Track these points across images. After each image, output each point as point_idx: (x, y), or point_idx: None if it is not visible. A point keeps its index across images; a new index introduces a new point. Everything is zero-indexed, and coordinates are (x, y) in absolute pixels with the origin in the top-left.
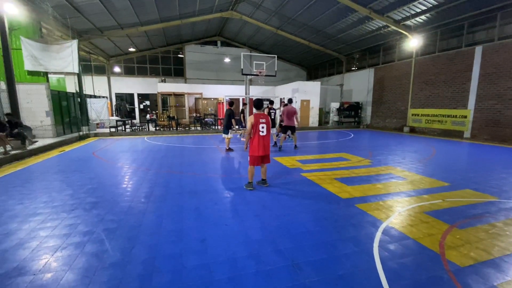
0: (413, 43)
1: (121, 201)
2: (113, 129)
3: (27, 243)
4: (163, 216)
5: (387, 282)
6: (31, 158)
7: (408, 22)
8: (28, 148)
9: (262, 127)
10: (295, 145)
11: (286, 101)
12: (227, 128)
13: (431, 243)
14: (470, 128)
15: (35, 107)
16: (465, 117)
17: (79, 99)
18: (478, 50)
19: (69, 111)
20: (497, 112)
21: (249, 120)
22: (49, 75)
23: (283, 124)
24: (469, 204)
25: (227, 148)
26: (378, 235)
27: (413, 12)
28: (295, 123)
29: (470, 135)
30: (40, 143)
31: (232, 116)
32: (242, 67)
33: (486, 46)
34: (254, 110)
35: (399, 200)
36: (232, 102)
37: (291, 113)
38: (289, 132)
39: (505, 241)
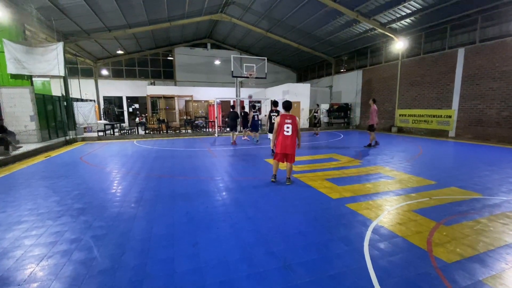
0: (399, 45)
1: (110, 207)
2: (101, 133)
3: (11, 253)
4: (154, 221)
5: (377, 280)
6: (15, 164)
7: (393, 25)
8: (11, 154)
9: (287, 127)
10: (376, 142)
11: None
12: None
13: (419, 240)
14: (455, 128)
15: (18, 111)
16: (450, 117)
17: (65, 103)
18: (461, 52)
19: (54, 115)
20: (479, 112)
21: (276, 120)
22: (33, 79)
23: (371, 123)
24: (455, 202)
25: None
26: (368, 234)
27: (398, 16)
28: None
29: (454, 134)
30: (24, 148)
31: (237, 117)
32: (232, 69)
33: (468, 48)
34: (283, 111)
35: (388, 199)
36: (233, 106)
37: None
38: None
39: (489, 236)
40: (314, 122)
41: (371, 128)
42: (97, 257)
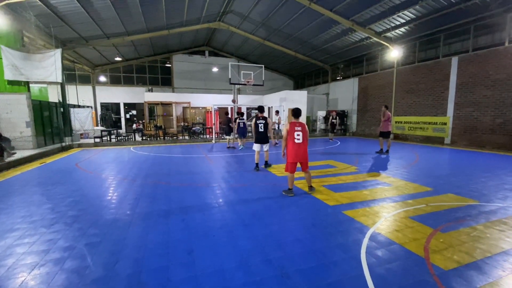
0: (394, 53)
1: (105, 214)
2: (97, 139)
3: (2, 261)
4: (149, 228)
5: None
6: (9, 171)
7: (388, 34)
8: (6, 160)
9: (298, 135)
10: (388, 150)
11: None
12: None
13: (416, 247)
14: (450, 135)
15: (14, 117)
16: (445, 124)
17: (62, 109)
18: (454, 60)
19: (51, 121)
20: (474, 119)
21: (285, 127)
22: (31, 85)
23: (383, 130)
24: (451, 208)
25: (229, 146)
26: (366, 241)
27: (393, 25)
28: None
29: (450, 141)
30: (19, 155)
31: (231, 122)
32: (230, 77)
33: (462, 57)
34: (292, 118)
35: (385, 206)
36: (227, 112)
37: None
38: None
39: (486, 243)
40: (331, 127)
41: (386, 135)
42: (90, 265)
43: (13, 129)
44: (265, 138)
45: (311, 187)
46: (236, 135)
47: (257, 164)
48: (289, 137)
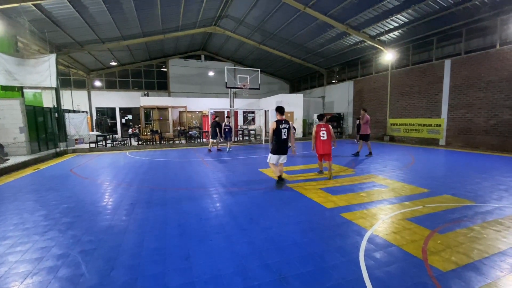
0: (388, 57)
1: (100, 220)
2: (93, 145)
3: None
4: (145, 234)
5: None
6: (2, 177)
7: (382, 38)
8: None
9: (323, 133)
10: (371, 152)
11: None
12: (214, 135)
13: (414, 249)
14: (445, 136)
15: (8, 123)
16: (440, 125)
17: (56, 114)
18: (447, 63)
19: (45, 126)
20: (468, 121)
21: (314, 129)
22: (25, 90)
23: (362, 132)
24: (448, 209)
25: (210, 149)
26: (364, 244)
27: (386, 29)
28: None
29: (445, 142)
30: (12, 161)
31: (217, 126)
32: (226, 81)
33: (454, 60)
34: (317, 121)
35: (382, 208)
36: (216, 116)
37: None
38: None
39: (483, 244)
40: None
41: (366, 138)
42: (85, 273)
43: (7, 135)
44: (287, 148)
45: (330, 172)
46: (221, 139)
47: (279, 176)
48: (316, 136)
